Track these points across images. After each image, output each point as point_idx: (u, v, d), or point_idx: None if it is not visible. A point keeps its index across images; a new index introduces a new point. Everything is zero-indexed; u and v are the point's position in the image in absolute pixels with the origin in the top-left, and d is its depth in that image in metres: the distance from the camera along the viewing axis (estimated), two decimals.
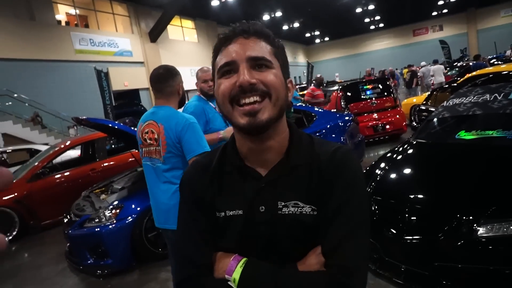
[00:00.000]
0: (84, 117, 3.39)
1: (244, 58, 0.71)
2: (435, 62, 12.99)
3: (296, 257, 0.74)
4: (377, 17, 28.13)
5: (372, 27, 31.76)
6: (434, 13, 29.52)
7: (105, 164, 5.46)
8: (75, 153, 6.51)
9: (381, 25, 31.47)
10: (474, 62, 11.96)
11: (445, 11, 28.85)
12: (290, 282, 0.69)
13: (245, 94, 0.70)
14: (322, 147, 0.79)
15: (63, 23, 14.06)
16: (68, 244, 3.68)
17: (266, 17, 22.00)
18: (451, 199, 2.05)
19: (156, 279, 3.19)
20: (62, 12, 14.52)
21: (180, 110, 2.19)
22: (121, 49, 15.36)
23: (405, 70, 13.49)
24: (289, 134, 0.80)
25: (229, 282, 0.72)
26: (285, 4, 20.61)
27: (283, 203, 0.75)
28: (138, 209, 3.33)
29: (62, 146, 5.51)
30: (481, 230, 1.82)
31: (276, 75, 0.73)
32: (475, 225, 1.83)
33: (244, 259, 0.74)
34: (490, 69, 6.31)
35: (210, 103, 2.73)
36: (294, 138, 0.80)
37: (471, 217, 1.86)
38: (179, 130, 1.88)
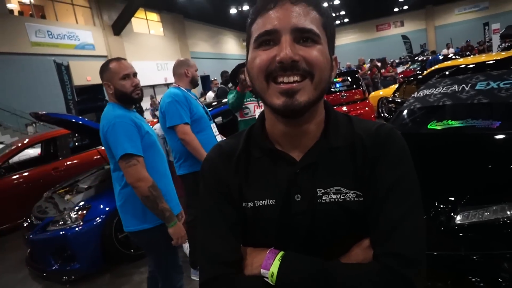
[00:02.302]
0: (44, 113, 3.15)
1: (289, 28, 0.61)
2: (371, 61, 13.80)
3: (338, 252, 0.65)
4: (342, 12, 28.68)
5: (338, 22, 32.38)
6: (396, 9, 30.55)
7: (68, 163, 5.15)
8: (34, 151, 6.09)
9: (346, 20, 32.14)
10: (431, 57, 12.64)
11: (405, 7, 29.94)
12: (337, 275, 0.60)
13: (285, 72, 0.60)
14: (363, 126, 0.70)
15: (16, 13, 13.11)
16: (29, 249, 3.42)
17: (233, 10, 21.77)
18: (428, 188, 2.08)
19: (129, 282, 3.04)
20: (15, 1, 13.53)
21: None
22: (82, 42, 14.58)
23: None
24: (325, 114, 0.71)
25: (265, 278, 0.63)
26: None
27: (323, 190, 0.66)
28: (107, 209, 3.17)
29: (20, 144, 5.14)
30: (458, 218, 1.86)
31: (323, 52, 0.63)
32: (452, 213, 1.87)
33: (281, 252, 0.65)
34: (449, 63, 6.58)
35: (190, 93, 2.65)
36: (331, 118, 0.70)
37: (449, 206, 1.89)
38: (105, 131, 1.76)
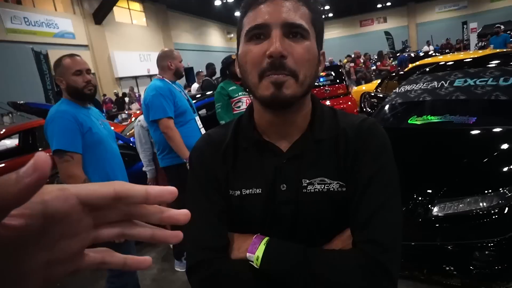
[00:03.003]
0: (22, 102, 3.08)
1: (279, 23, 0.62)
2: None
3: (322, 241, 0.68)
4: (327, 7, 28.81)
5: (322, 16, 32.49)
6: (379, 6, 30.91)
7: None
8: (12, 142, 5.89)
9: (330, 15, 32.31)
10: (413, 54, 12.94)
11: (388, 4, 30.34)
12: (318, 259, 0.63)
13: (274, 70, 0.63)
14: (347, 119, 0.74)
15: None
16: None
17: (217, 2, 21.52)
18: (407, 181, 2.16)
19: None
20: None
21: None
22: (62, 31, 14.10)
23: (345, 61, 14.04)
24: (311, 107, 0.74)
25: (250, 262, 0.65)
26: None
27: (307, 181, 0.69)
28: None
29: None
30: (435, 210, 1.94)
31: (310, 48, 0.65)
32: (429, 205, 1.95)
33: (267, 238, 0.67)
34: (429, 60, 6.76)
35: (174, 85, 2.63)
36: (317, 111, 0.73)
37: (427, 198, 1.96)
38: (45, 125, 1.79)
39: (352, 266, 0.62)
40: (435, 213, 1.92)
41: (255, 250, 0.65)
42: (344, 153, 0.70)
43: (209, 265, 0.67)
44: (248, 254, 0.66)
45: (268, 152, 0.72)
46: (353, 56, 12.14)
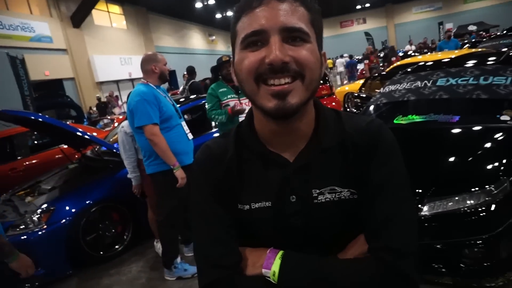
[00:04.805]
0: None
1: (277, 28, 0.58)
2: (341, 56, 14.37)
3: (335, 250, 0.66)
4: None
5: None
6: (358, 7, 31.46)
7: (27, 163, 4.85)
8: None
9: None
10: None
11: (367, 5, 30.91)
12: (335, 270, 0.61)
13: (275, 74, 0.58)
14: (352, 123, 0.70)
15: None
16: None
17: (198, 4, 21.40)
18: None
19: (97, 285, 2.93)
20: None
21: None
22: (38, 34, 13.69)
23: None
24: (315, 112, 0.70)
25: (267, 278, 0.63)
26: None
27: (318, 191, 0.66)
28: (73, 210, 3.03)
29: None
30: (425, 209, 1.96)
31: (312, 51, 0.61)
32: (419, 204, 1.96)
33: (281, 252, 0.65)
34: (409, 60, 6.90)
35: (158, 90, 2.57)
36: (321, 117, 0.69)
37: (417, 198, 1.98)
38: None
39: (373, 275, 0.60)
40: (425, 213, 1.94)
41: (271, 265, 0.64)
42: (353, 159, 0.67)
43: (225, 283, 0.65)
44: (263, 270, 0.64)
45: (274, 163, 0.68)
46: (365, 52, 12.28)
